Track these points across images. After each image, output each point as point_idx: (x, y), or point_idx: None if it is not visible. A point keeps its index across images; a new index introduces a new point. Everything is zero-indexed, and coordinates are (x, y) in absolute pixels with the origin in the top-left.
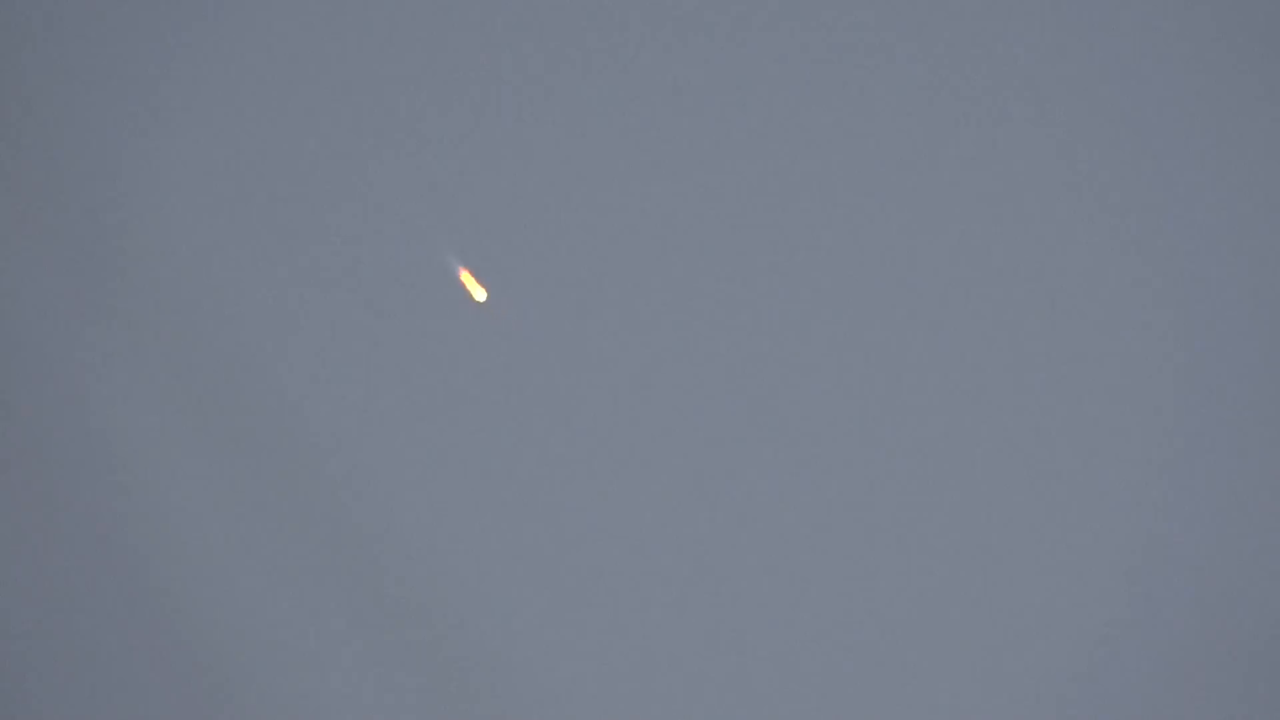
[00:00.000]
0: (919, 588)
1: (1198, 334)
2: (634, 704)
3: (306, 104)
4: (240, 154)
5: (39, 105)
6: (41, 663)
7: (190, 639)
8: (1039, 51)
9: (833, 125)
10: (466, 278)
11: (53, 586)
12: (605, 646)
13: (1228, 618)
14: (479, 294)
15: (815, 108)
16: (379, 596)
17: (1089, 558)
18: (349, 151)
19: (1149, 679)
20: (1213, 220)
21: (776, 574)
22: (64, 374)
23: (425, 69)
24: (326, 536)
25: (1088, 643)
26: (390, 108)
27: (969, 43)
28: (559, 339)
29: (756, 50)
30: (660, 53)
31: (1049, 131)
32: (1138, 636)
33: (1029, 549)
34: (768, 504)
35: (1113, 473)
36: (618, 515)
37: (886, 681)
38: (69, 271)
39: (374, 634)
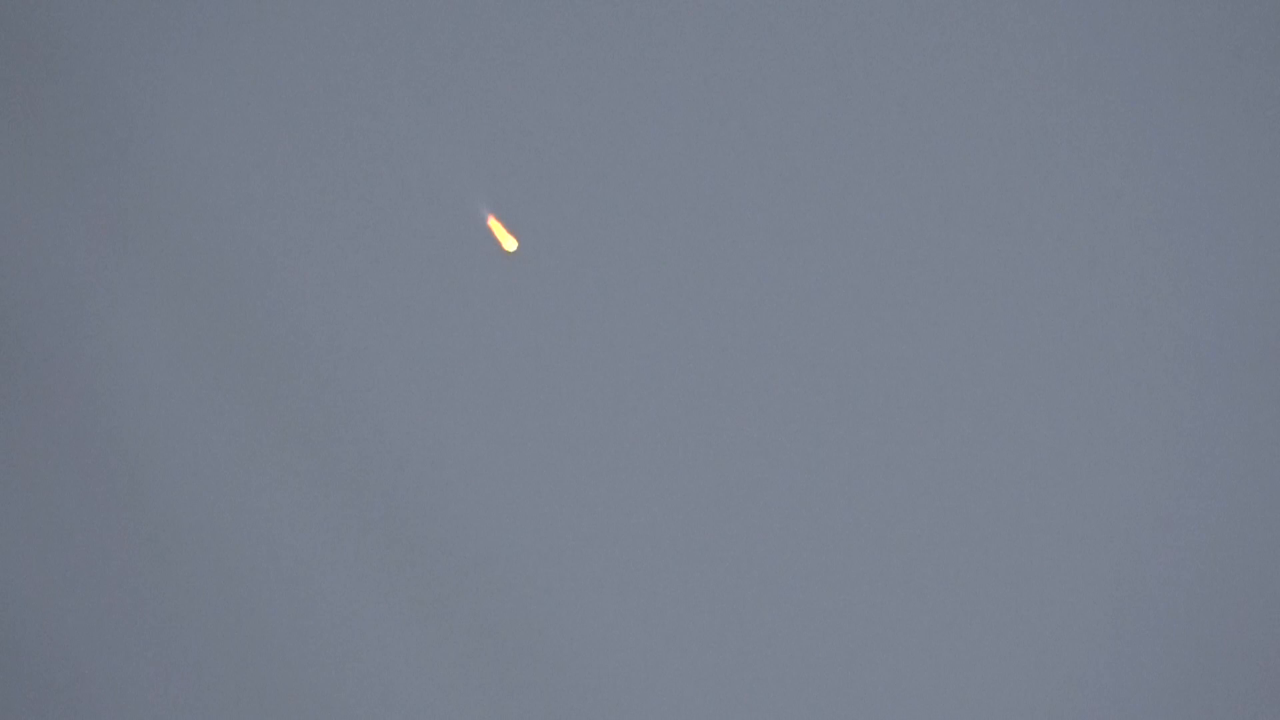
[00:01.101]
0: (937, 583)
1: (1197, 336)
2: (672, 674)
3: (340, 57)
4: (272, 105)
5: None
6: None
7: (225, 594)
8: (1039, 52)
9: (844, 127)
10: (496, 227)
11: (75, 545)
12: (642, 607)
13: (1227, 618)
14: (509, 244)
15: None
16: (412, 563)
17: (1091, 560)
18: (380, 102)
19: (1147, 678)
20: (1212, 222)
21: (793, 545)
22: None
23: (456, 21)
24: (355, 489)
25: (1091, 643)
26: (422, 62)
27: (973, 44)
28: (589, 290)
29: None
30: (690, 26)
31: (1049, 133)
32: (1137, 637)
33: (1036, 550)
34: (782, 477)
35: (1113, 475)
36: (641, 467)
37: (916, 675)
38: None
39: (412, 599)
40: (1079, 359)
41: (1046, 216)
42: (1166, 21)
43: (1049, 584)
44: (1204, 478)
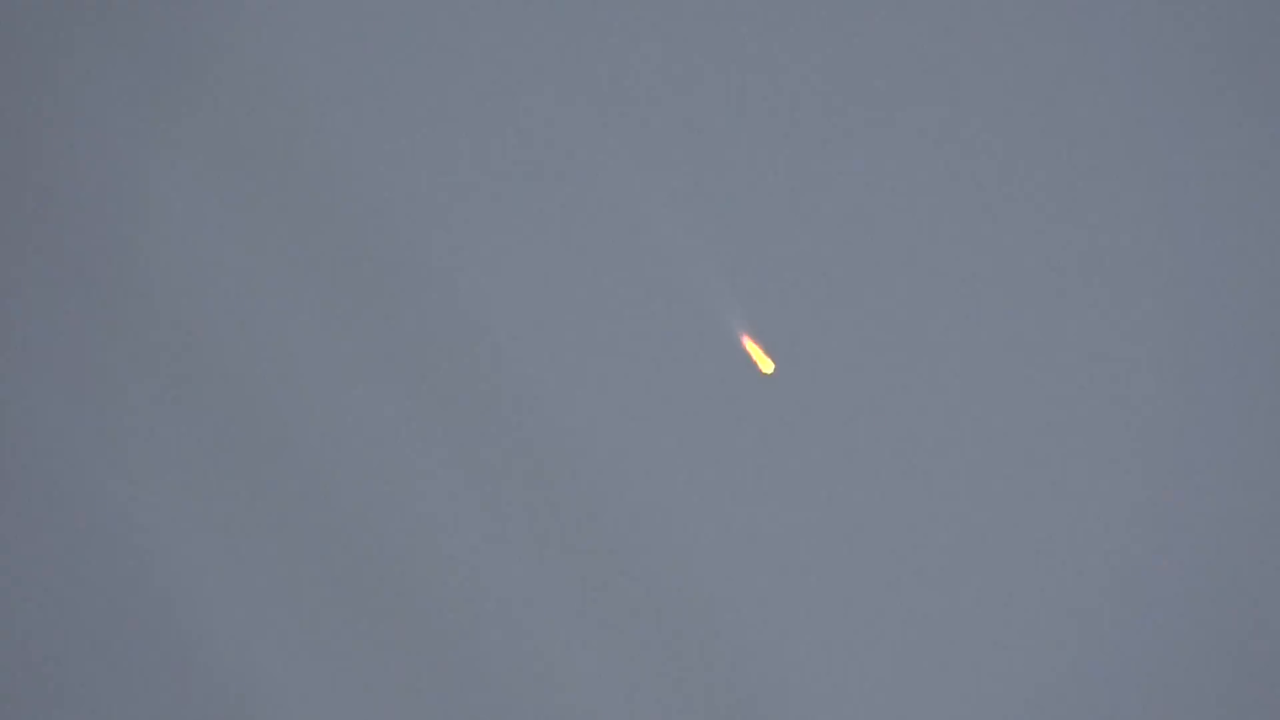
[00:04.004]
0: (943, 583)
1: (1196, 337)
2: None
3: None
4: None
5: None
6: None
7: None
8: (1039, 53)
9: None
10: (753, 348)
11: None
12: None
13: (1224, 619)
14: (766, 366)
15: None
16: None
17: (1094, 561)
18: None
19: (1146, 679)
20: (1211, 223)
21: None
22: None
23: (718, 152)
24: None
25: (1095, 644)
26: (688, 185)
27: (975, 45)
28: (842, 405)
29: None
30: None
31: (1049, 133)
32: (1136, 637)
33: (1049, 552)
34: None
35: (1113, 476)
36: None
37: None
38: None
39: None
40: (1083, 360)
41: (1046, 218)
42: (1166, 21)
43: (1060, 583)
44: (1202, 477)
